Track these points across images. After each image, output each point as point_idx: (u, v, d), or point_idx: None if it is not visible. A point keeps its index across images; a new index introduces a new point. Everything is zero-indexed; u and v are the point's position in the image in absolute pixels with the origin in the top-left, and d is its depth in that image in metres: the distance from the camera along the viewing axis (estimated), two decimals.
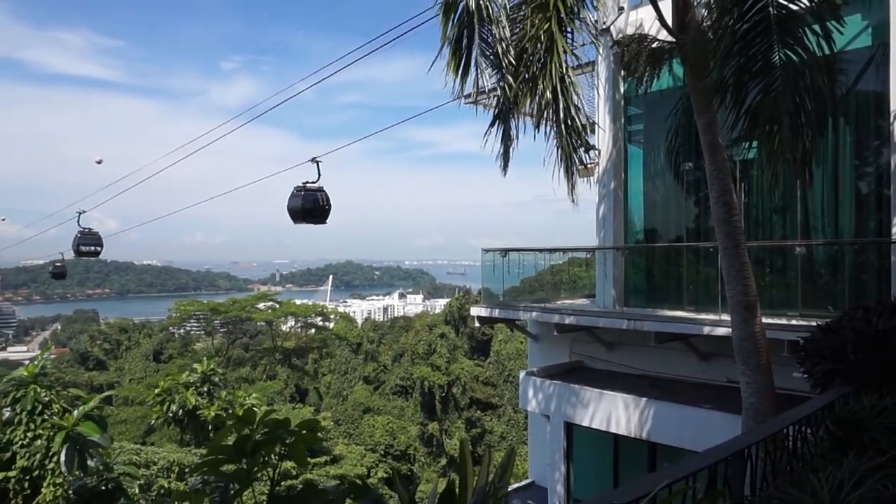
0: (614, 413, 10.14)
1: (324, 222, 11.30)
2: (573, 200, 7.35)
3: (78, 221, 17.82)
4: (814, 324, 6.15)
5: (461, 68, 6.60)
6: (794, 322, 8.83)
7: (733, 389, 7.48)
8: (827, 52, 5.95)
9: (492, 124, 7.42)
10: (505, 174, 7.66)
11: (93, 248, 17.93)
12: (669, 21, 7.35)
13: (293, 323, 61.96)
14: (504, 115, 7.33)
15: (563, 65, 6.90)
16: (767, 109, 5.73)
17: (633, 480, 2.75)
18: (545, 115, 6.94)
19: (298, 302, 66.81)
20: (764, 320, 7.01)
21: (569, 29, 7.03)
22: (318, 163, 11.25)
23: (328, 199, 11.22)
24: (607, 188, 12.03)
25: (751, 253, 7.41)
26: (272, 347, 55.59)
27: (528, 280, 13.70)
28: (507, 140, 7.50)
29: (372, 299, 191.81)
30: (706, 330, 9.43)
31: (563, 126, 6.74)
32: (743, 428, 6.63)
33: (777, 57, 5.76)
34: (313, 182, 11.21)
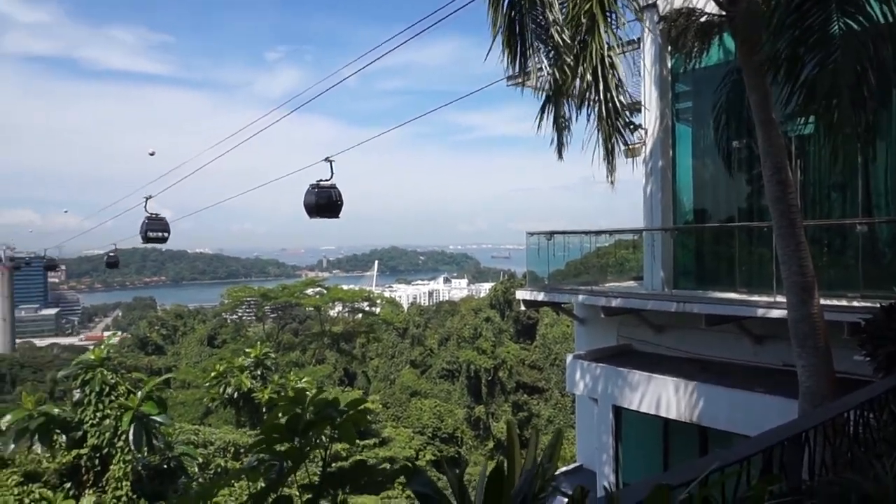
0: (664, 396, 10.01)
1: (336, 216, 12.16)
2: (612, 183, 7.25)
3: (145, 207, 17.74)
4: (876, 305, 5.91)
5: (517, 51, 6.52)
6: (854, 304, 8.50)
7: (789, 373, 7.28)
8: (892, 19, 5.64)
9: (542, 108, 7.34)
10: (560, 157, 7.61)
11: (160, 233, 17.85)
12: None
13: (340, 308, 63.15)
14: (556, 98, 7.24)
15: (604, 45, 6.76)
16: (825, 83, 5.48)
17: (684, 463, 2.71)
18: (588, 97, 6.83)
19: (345, 287, 67.97)
20: (822, 302, 6.77)
21: (610, 9, 6.88)
22: (331, 162, 12.05)
23: (340, 195, 12.09)
24: (654, 168, 11.77)
25: (807, 232, 7.15)
26: (321, 332, 56.85)
27: (574, 263, 13.59)
28: (559, 124, 7.42)
29: (417, 284, 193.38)
30: (760, 312, 9.18)
31: (604, 107, 6.62)
32: (800, 412, 6.44)
33: (836, 27, 5.49)
34: (327, 180, 12.03)
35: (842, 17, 5.50)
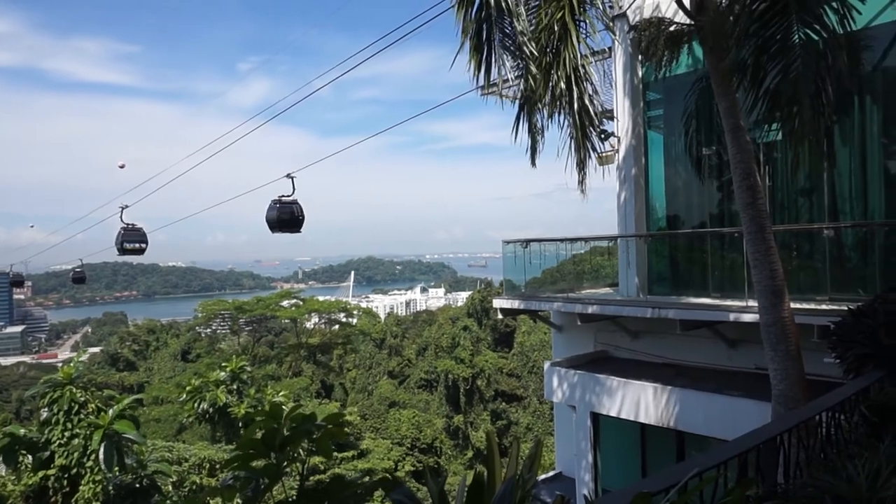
0: (641, 402, 10.08)
1: (298, 231, 12.61)
2: (583, 191, 7.32)
3: (121, 217, 17.01)
4: (844, 308, 6.03)
5: (483, 61, 6.57)
6: (823, 307, 8.67)
7: (762, 377, 7.39)
8: (849, 29, 5.79)
9: (518, 117, 7.38)
10: (534, 165, 7.69)
11: (138, 244, 17.17)
12: (687, 3, 7.22)
13: (317, 320, 62.54)
14: (529, 107, 7.29)
15: (577, 54, 6.84)
16: (788, 90, 5.61)
17: (663, 469, 2.72)
18: (560, 105, 6.89)
19: (321, 298, 67.31)
20: (792, 305, 6.90)
21: (582, 19, 6.96)
22: (292, 178, 12.49)
23: (302, 211, 12.54)
24: (627, 175, 11.91)
25: (777, 237, 7.28)
26: (297, 344, 56.19)
27: (550, 271, 13.66)
28: (533, 132, 7.47)
29: (394, 294, 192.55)
30: (732, 316, 9.31)
31: (576, 116, 6.69)
32: (773, 415, 6.53)
33: (796, 36, 5.63)
34: (288, 195, 12.47)
35: (801, 28, 5.64)
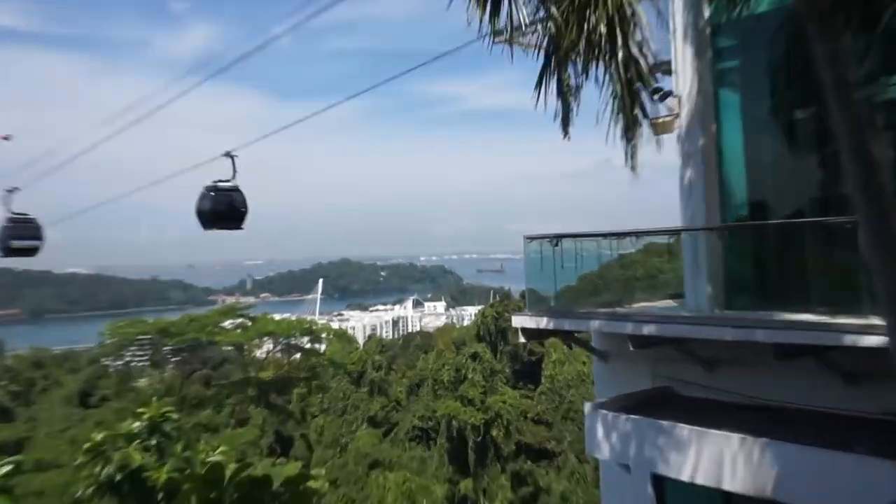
0: (725, 460, 10.06)
1: (239, 227, 12.85)
2: (633, 169, 7.37)
3: (4, 205, 16.63)
4: None
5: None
6: None
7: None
8: None
9: (542, 73, 7.43)
10: (566, 135, 7.72)
11: (30, 242, 16.79)
12: None
13: (271, 346, 62.64)
14: (557, 59, 7.33)
15: None
16: None
17: None
18: (599, 55, 6.93)
19: (278, 317, 67.44)
20: None
21: None
22: (232, 158, 12.63)
23: (245, 201, 12.74)
24: (693, 147, 11.90)
25: None
26: (243, 381, 56.33)
27: (590, 277, 13.67)
28: (564, 92, 7.51)
29: (377, 310, 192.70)
30: (848, 340, 9.27)
31: (621, 70, 6.73)
32: None
33: None
34: (227, 180, 12.62)
35: None
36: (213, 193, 12.51)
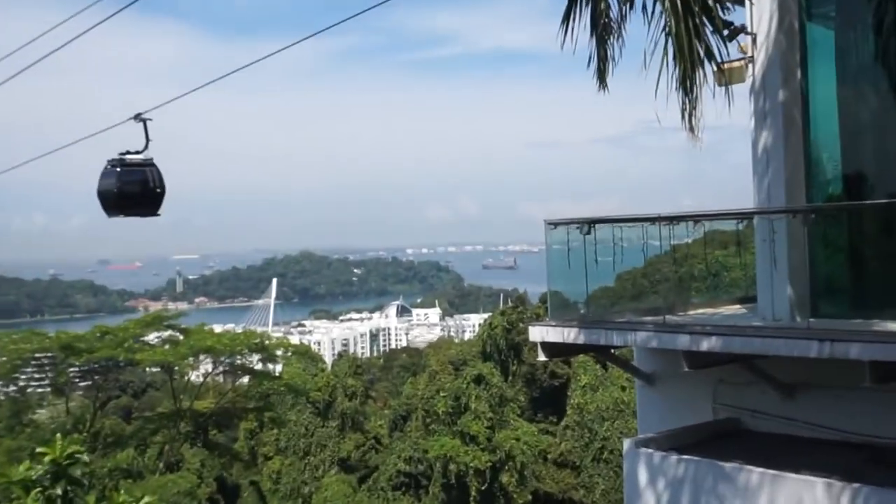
0: None
1: (155, 213, 12.56)
2: (692, 131, 7.32)
3: None
4: None
5: None
6: None
7: None
8: None
9: (570, 4, 7.38)
10: (603, 86, 7.66)
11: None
12: None
13: (211, 367, 62.53)
14: None
15: None
16: None
17: None
18: None
19: (219, 329, 67.25)
20: None
21: None
22: (145, 122, 12.41)
23: (161, 179, 12.39)
24: (771, 103, 11.89)
25: None
26: (174, 412, 56.23)
27: (632, 275, 13.64)
28: (601, 26, 7.47)
29: (350, 319, 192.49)
30: None
31: None
32: None
33: None
34: (138, 151, 12.34)
35: None
36: (118, 169, 12.20)
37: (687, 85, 7.12)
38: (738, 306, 13.61)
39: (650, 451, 11.73)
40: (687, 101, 7.20)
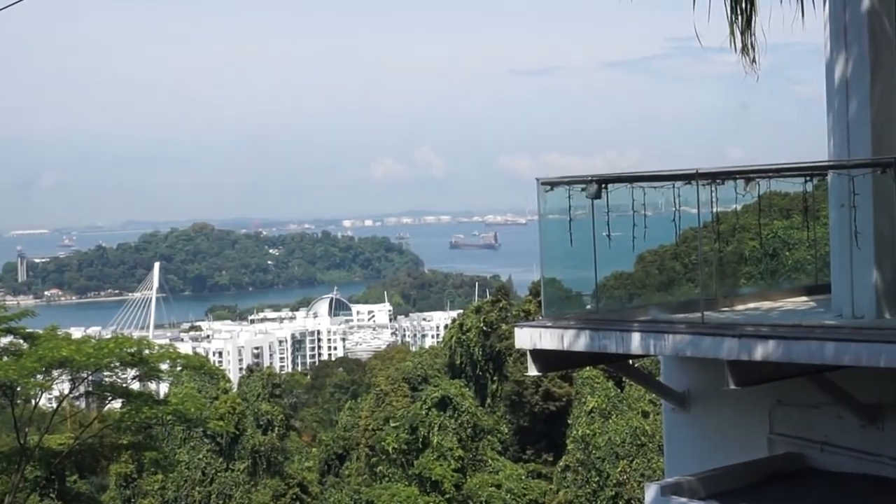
0: None
1: None
2: (745, 50, 7.36)
3: None
4: None
5: None
6: None
7: None
8: None
9: None
10: None
11: None
12: None
13: (68, 388, 62.20)
14: None
15: None
16: None
17: None
18: None
19: (78, 333, 66.86)
20: None
21: None
22: None
23: None
24: (853, 13, 11.92)
25: None
26: (16, 451, 55.96)
27: (658, 257, 13.66)
28: None
29: (263, 318, 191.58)
30: None
31: None
32: None
33: None
34: None
35: None
36: None
37: None
38: (804, 298, 13.70)
39: (683, 500, 11.77)
40: (738, 10, 7.21)
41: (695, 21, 7.04)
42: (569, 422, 48.42)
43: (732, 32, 7.33)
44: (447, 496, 44.84)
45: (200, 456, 54.24)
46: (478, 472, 46.10)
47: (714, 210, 13.17)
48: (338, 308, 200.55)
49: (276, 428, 54.43)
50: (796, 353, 11.29)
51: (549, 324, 13.08)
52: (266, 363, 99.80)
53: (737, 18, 7.31)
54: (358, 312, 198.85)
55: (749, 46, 7.41)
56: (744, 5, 7.31)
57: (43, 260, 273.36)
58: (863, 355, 10.88)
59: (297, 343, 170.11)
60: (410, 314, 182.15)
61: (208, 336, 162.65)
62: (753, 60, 7.39)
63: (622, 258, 13.37)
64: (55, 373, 59.41)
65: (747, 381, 11.75)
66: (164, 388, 61.00)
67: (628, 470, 45.54)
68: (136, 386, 61.17)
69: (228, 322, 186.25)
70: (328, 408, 57.54)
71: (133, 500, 55.46)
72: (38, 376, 58.44)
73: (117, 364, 60.15)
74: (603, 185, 12.82)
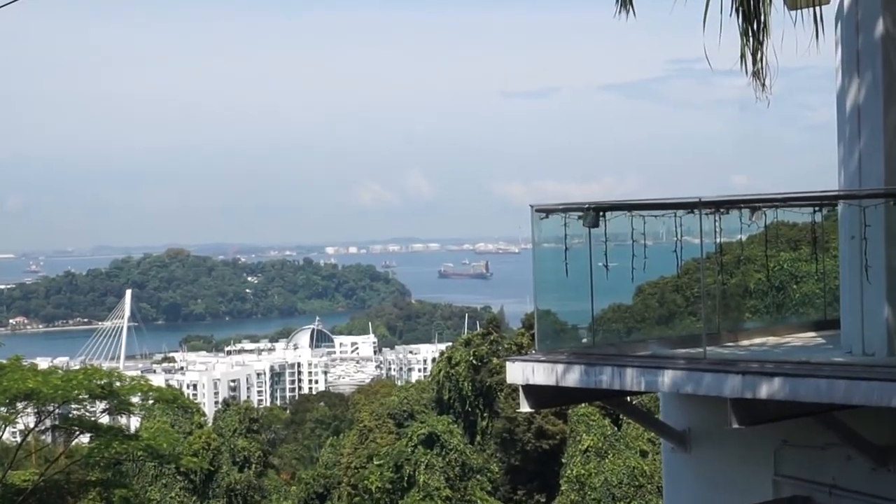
0: None
1: None
2: (756, 74, 7.45)
3: None
4: None
5: None
6: None
7: None
8: None
9: None
10: (625, 6, 7.77)
11: None
12: None
13: (33, 421, 62.07)
14: None
15: None
16: None
17: None
18: None
19: (45, 364, 66.67)
20: None
21: None
22: None
23: None
24: (866, 37, 12.04)
25: None
26: None
27: (658, 289, 13.73)
28: None
29: (241, 350, 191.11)
30: None
31: None
32: None
33: None
34: None
35: None
36: None
37: (743, 9, 7.21)
38: (812, 334, 13.79)
39: None
40: (750, 31, 7.29)
41: (704, 42, 7.11)
42: (563, 461, 48.43)
43: (743, 55, 7.39)
44: None
45: (173, 494, 54.24)
46: None
47: (718, 240, 13.24)
48: (319, 339, 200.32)
49: (254, 465, 54.49)
50: (804, 391, 11.36)
51: (543, 358, 13.14)
52: (243, 397, 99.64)
53: (748, 40, 7.38)
54: (341, 344, 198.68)
55: (761, 70, 7.48)
56: (756, 27, 7.39)
57: (8, 286, 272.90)
58: (874, 394, 10.95)
59: (277, 376, 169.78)
60: (396, 346, 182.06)
61: (182, 368, 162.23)
62: (764, 84, 7.46)
63: (620, 290, 13.46)
64: (20, 405, 59.27)
65: (751, 420, 11.81)
66: (135, 423, 60.82)
67: None
68: (105, 420, 60.99)
69: (204, 353, 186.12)
70: (308, 444, 57.53)
71: None
72: (2, 409, 58.35)
73: (86, 396, 60.06)
74: (601, 213, 12.89)
